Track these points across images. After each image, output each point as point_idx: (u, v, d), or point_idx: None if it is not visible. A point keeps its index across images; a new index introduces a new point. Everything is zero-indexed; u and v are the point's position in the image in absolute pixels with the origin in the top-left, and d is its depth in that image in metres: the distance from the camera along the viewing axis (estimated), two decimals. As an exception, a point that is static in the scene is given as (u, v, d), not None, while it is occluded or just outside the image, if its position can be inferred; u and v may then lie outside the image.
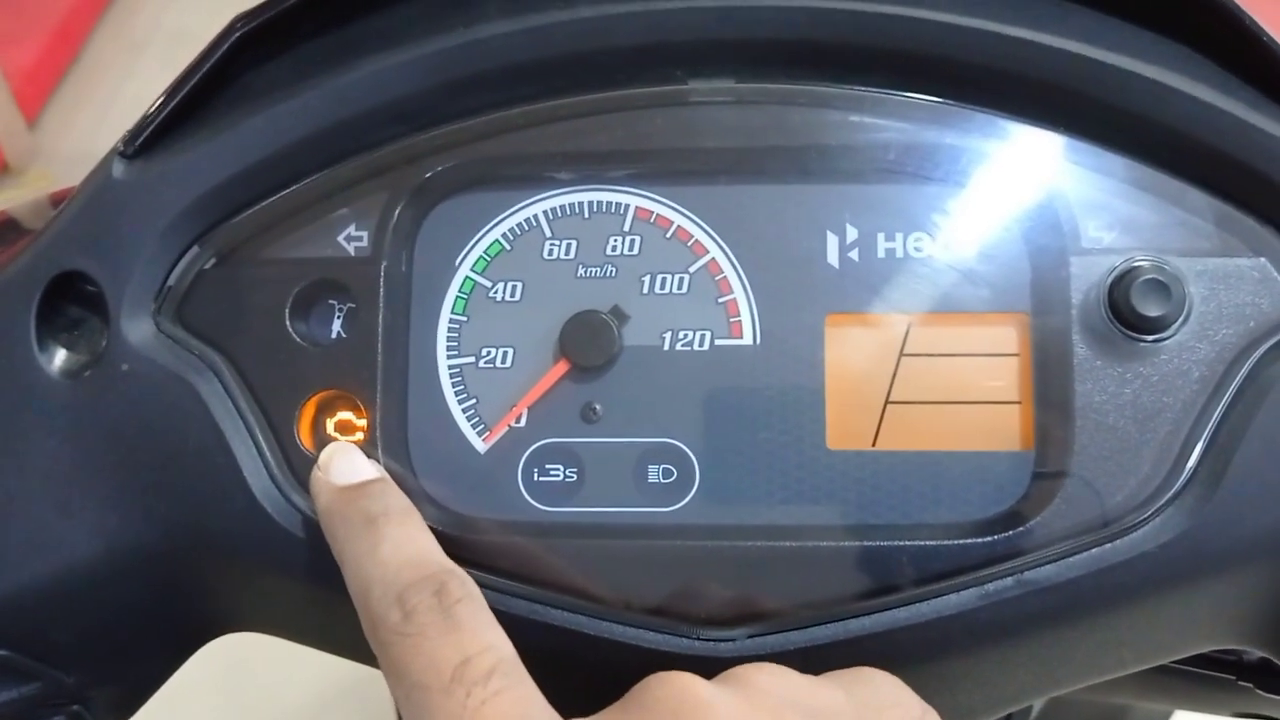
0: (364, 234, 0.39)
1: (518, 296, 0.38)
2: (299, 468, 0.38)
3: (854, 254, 0.37)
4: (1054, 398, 0.36)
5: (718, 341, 0.38)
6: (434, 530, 0.36)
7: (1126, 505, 0.35)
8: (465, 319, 0.38)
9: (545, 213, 0.39)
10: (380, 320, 0.38)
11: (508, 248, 0.39)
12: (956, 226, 0.37)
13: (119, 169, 0.39)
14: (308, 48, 0.41)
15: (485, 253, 0.39)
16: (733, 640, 0.36)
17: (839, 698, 0.33)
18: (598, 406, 0.38)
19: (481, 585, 0.34)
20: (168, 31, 2.14)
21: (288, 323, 0.38)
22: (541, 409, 0.38)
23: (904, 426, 0.37)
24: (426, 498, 0.38)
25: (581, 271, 0.38)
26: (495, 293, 0.39)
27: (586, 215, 0.39)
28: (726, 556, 0.36)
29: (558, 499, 0.37)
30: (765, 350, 0.37)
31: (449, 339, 0.38)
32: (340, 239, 0.39)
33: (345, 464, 0.37)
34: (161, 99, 0.39)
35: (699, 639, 0.36)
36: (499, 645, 0.32)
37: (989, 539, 0.36)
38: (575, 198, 0.39)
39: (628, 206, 0.38)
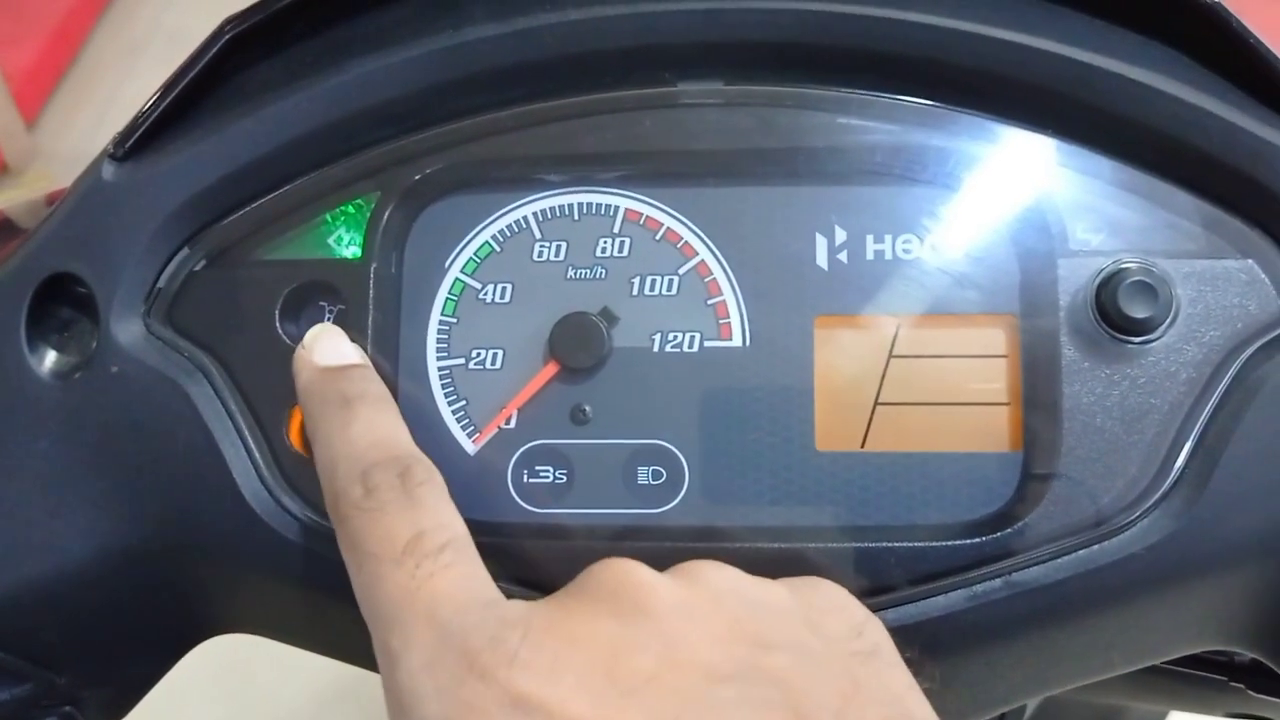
0: (354, 236, 0.39)
1: (507, 298, 0.38)
2: (289, 470, 0.38)
3: (843, 256, 0.37)
4: (1042, 399, 0.36)
5: (707, 343, 0.38)
6: None
7: (1114, 506, 0.35)
8: (455, 320, 0.39)
9: (535, 214, 0.39)
10: (370, 322, 0.38)
11: (497, 249, 0.39)
12: (945, 228, 0.37)
13: (109, 171, 0.39)
14: (298, 50, 0.41)
15: (475, 254, 0.39)
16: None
17: (783, 595, 0.33)
18: (587, 408, 0.38)
19: None
20: (167, 32, 2.14)
21: (278, 324, 0.38)
22: (531, 410, 0.38)
23: (893, 428, 0.37)
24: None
25: (571, 273, 0.38)
26: (485, 294, 0.39)
27: (576, 217, 0.39)
28: (715, 557, 0.36)
29: (547, 500, 0.38)
30: (754, 352, 0.37)
31: (439, 340, 0.38)
32: (330, 241, 0.39)
33: (329, 345, 0.37)
34: (152, 101, 0.39)
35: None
36: (453, 525, 0.33)
37: (977, 540, 0.36)
38: (565, 199, 0.39)
39: (617, 208, 0.38)
